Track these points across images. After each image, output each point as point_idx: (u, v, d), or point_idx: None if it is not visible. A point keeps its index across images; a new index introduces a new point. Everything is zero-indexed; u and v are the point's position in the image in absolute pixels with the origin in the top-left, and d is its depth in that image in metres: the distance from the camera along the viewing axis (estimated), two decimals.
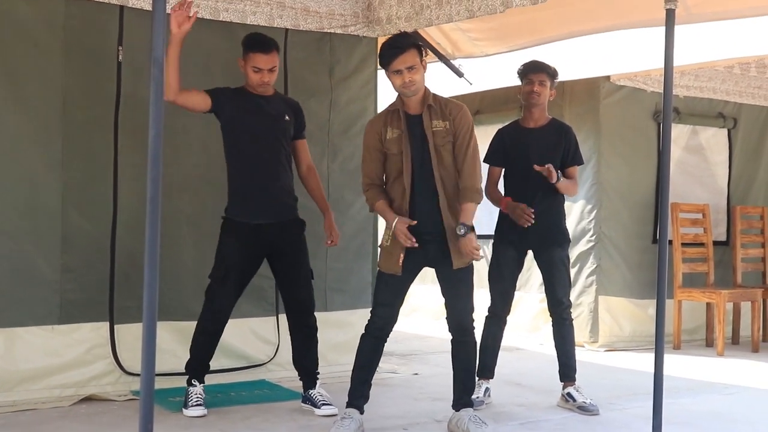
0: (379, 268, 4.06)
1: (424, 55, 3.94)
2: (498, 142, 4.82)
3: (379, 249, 4.16)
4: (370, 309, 4.10)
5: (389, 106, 4.07)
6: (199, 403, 4.27)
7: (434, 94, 4.00)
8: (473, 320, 4.09)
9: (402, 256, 3.92)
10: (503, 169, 4.80)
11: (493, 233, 4.83)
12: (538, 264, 4.76)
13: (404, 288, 4.06)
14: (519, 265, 4.76)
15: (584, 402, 4.58)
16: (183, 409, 4.27)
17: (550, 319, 4.78)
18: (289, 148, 4.45)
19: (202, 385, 4.36)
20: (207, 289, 4.35)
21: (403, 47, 3.84)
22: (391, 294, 4.02)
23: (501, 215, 4.77)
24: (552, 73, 4.71)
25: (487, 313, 4.75)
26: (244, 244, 4.32)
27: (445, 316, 4.09)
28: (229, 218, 4.37)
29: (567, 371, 4.70)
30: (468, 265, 4.00)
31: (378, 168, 4.03)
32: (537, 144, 4.66)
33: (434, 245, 3.94)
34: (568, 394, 4.65)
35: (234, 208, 4.36)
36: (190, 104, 4.25)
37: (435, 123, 3.94)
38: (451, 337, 4.11)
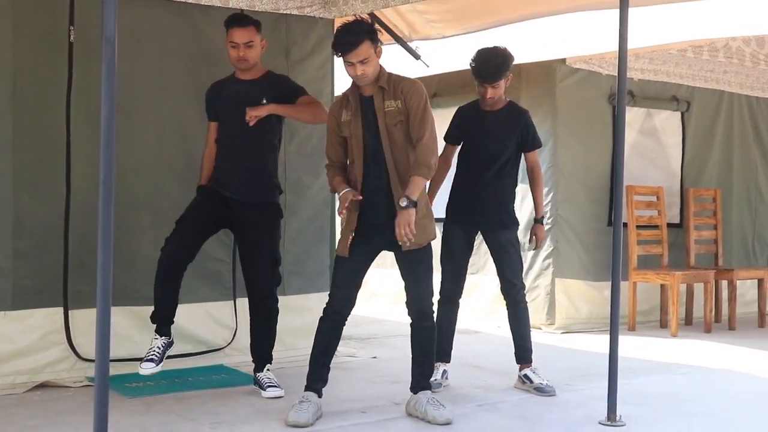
0: (336, 252, 4.08)
1: (378, 43, 3.91)
2: (456, 120, 4.85)
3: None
4: (329, 292, 4.09)
5: (348, 89, 4.07)
6: (151, 358, 4.22)
7: (389, 74, 3.99)
8: (432, 304, 4.11)
9: (350, 237, 3.94)
10: (458, 147, 4.82)
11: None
12: (488, 246, 4.80)
13: (359, 271, 4.06)
14: (469, 246, 4.79)
15: (541, 383, 4.63)
16: (139, 366, 4.25)
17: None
18: (272, 131, 4.48)
19: (165, 338, 4.31)
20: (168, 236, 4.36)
21: (356, 42, 3.80)
22: (347, 276, 4.03)
23: (451, 196, 4.79)
24: (506, 68, 4.63)
25: (438, 297, 4.76)
26: (207, 203, 4.40)
27: (405, 300, 4.11)
28: (204, 185, 4.49)
29: (523, 353, 4.75)
30: (423, 247, 4.00)
31: (338, 150, 4.06)
32: (492, 127, 4.69)
33: (389, 228, 3.94)
34: (525, 375, 4.70)
35: (210, 177, 4.49)
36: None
37: (387, 103, 3.94)
38: (410, 321, 4.13)
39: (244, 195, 4.39)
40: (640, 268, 7.02)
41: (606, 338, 4.15)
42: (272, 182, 4.52)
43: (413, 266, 4.03)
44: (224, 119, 4.47)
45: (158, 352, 4.26)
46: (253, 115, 4.34)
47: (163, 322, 4.34)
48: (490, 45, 4.75)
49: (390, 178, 3.93)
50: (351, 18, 4.17)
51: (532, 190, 4.88)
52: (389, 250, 4.09)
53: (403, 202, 3.82)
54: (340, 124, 4.00)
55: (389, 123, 3.93)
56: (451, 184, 4.83)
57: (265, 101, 4.40)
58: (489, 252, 4.83)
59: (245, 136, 4.40)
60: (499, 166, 4.66)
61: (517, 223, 4.80)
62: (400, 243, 3.87)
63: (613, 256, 4.08)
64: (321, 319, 4.07)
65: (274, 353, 4.60)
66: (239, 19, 4.43)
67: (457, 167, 4.82)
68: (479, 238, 4.81)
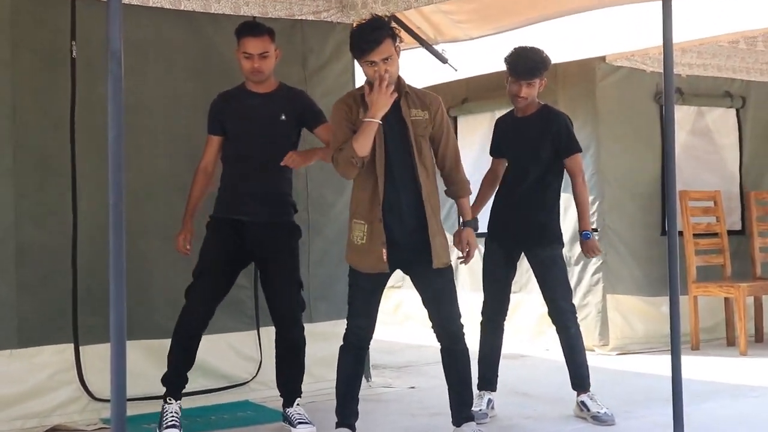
0: (360, 269, 3.97)
1: (398, 41, 3.90)
2: (496, 132, 4.89)
3: (346, 248, 4.07)
4: (346, 318, 4.05)
5: (357, 89, 4.03)
6: (174, 423, 4.21)
7: (405, 82, 3.99)
8: (462, 325, 4.04)
9: (385, 250, 3.86)
10: (504, 161, 4.83)
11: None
12: (530, 265, 4.76)
13: (381, 291, 4.03)
14: (510, 265, 4.75)
15: (599, 412, 4.56)
16: (157, 431, 4.22)
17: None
18: (289, 147, 4.43)
19: (178, 402, 4.30)
20: (186, 289, 4.35)
21: (379, 40, 3.77)
22: (368, 300, 3.99)
23: (492, 211, 4.78)
24: (544, 67, 4.62)
25: (481, 319, 4.72)
26: (222, 239, 4.36)
27: (431, 325, 4.05)
28: (212, 216, 4.46)
29: (579, 381, 4.68)
30: (447, 266, 3.98)
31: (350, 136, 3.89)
32: (524, 134, 4.67)
33: (411, 244, 3.90)
34: (582, 402, 4.64)
35: (217, 205, 4.46)
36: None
37: (414, 112, 3.93)
38: (440, 347, 4.07)
39: (261, 216, 4.36)
40: (700, 281, 6.91)
41: (666, 359, 4.07)
42: (288, 201, 4.51)
43: (437, 287, 3.98)
44: (236, 136, 4.43)
45: (178, 417, 4.25)
46: (298, 160, 4.39)
47: (179, 386, 4.34)
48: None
49: (422, 189, 3.90)
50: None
51: (576, 200, 4.76)
52: (406, 268, 4.04)
53: (467, 222, 4.04)
54: (355, 121, 3.89)
55: (417, 132, 3.91)
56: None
57: (283, 117, 4.39)
58: (532, 271, 4.77)
59: (262, 154, 4.37)
60: (536, 177, 4.62)
61: (560, 239, 4.73)
62: (460, 260, 4.03)
63: (669, 266, 4.00)
64: (342, 349, 4.05)
65: (303, 386, 4.56)
66: (252, 27, 4.40)
67: (501, 182, 4.84)
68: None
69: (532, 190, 4.65)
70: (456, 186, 4.12)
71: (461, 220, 4.18)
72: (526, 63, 4.57)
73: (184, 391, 4.37)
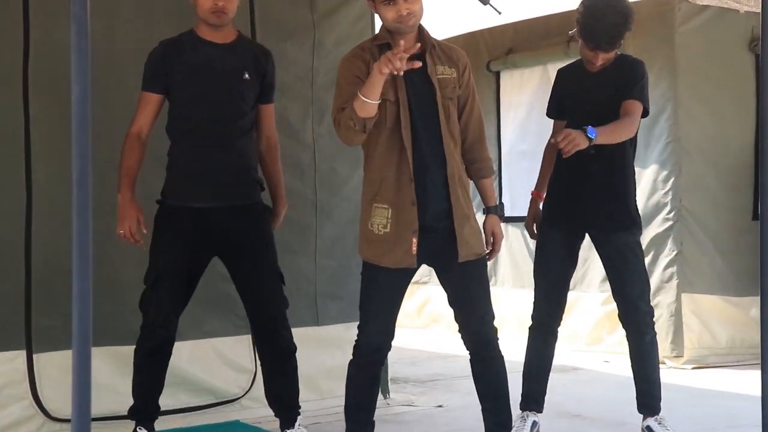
0: (380, 264, 3.96)
1: None
2: (556, 88, 4.83)
3: (359, 239, 4.07)
4: (359, 324, 4.07)
5: (372, 39, 4.02)
6: None
7: (430, 36, 3.98)
8: (496, 329, 4.07)
9: (415, 240, 3.86)
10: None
11: (525, 215, 4.85)
12: (599, 254, 4.75)
13: (405, 290, 4.05)
14: (572, 256, 4.75)
15: None
16: None
17: (620, 327, 4.76)
18: (251, 117, 4.42)
19: None
20: (140, 299, 4.33)
21: None
22: (388, 304, 4.00)
23: (554, 190, 4.77)
24: (627, 29, 4.53)
25: (531, 323, 4.75)
26: (178, 235, 4.29)
27: (458, 328, 4.08)
28: (164, 202, 4.37)
29: (648, 401, 4.69)
30: (479, 258, 4.01)
31: None
32: (599, 94, 4.61)
33: (438, 232, 3.92)
34: (648, 428, 4.66)
35: (168, 187, 4.37)
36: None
37: (441, 69, 3.91)
38: (469, 356, 4.10)
39: (225, 199, 4.33)
40: None
41: (755, 374, 4.09)
42: (255, 178, 4.47)
43: (466, 283, 4.01)
44: (187, 96, 4.33)
45: None
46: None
47: (150, 416, 4.38)
48: None
49: (447, 165, 3.91)
50: None
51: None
52: (431, 261, 4.05)
53: (492, 208, 4.08)
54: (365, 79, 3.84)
55: (446, 95, 3.92)
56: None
57: (247, 76, 4.34)
58: (596, 260, 4.77)
59: (222, 121, 4.31)
60: (613, 146, 4.60)
61: (639, 224, 4.73)
62: (486, 254, 4.05)
63: (761, 259, 4.00)
64: (352, 366, 4.06)
65: (306, 403, 4.61)
66: None
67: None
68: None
69: (610, 163, 4.62)
70: (479, 164, 4.11)
71: (484, 206, 4.19)
72: (606, 30, 4.46)
73: (162, 409, 4.43)
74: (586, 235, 4.73)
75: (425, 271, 5.39)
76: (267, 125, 4.53)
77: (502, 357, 4.09)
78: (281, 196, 4.60)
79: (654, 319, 4.76)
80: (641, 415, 4.71)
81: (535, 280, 4.76)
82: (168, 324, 4.31)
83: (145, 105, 4.34)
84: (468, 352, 4.09)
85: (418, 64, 3.73)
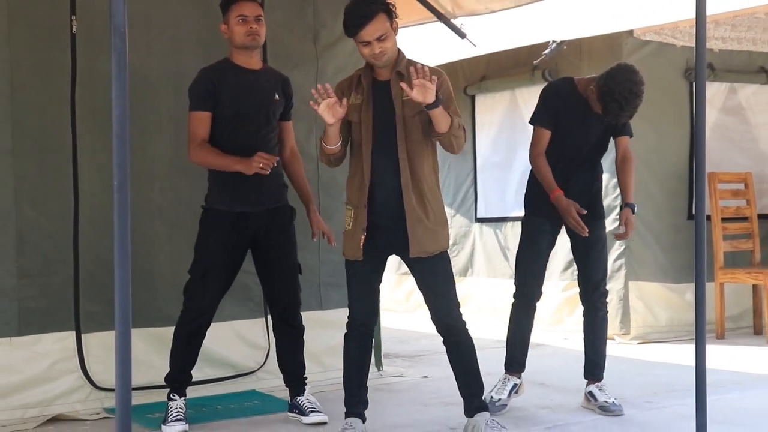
0: (344, 256, 4.05)
1: (394, 16, 3.87)
2: (550, 99, 4.67)
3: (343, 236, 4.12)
4: (348, 304, 4.11)
5: (356, 71, 4.06)
6: (179, 418, 4.28)
7: (409, 60, 3.96)
8: (460, 315, 4.07)
9: (363, 237, 3.92)
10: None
11: (520, 215, 4.83)
12: (572, 243, 4.74)
13: (375, 277, 4.08)
14: (553, 242, 4.77)
15: (606, 401, 4.60)
16: (162, 426, 4.28)
17: (579, 310, 4.79)
18: (278, 128, 4.49)
19: (183, 398, 4.38)
20: (185, 287, 4.37)
21: (370, 15, 3.77)
22: (363, 284, 4.04)
23: (531, 183, 4.75)
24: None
25: (514, 299, 4.74)
26: (225, 236, 4.34)
27: (429, 317, 4.10)
28: (209, 208, 4.39)
29: (593, 369, 4.72)
30: (438, 255, 3.98)
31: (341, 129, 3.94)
32: (590, 109, 4.55)
33: (396, 231, 3.93)
34: (590, 393, 4.68)
35: (214, 196, 4.39)
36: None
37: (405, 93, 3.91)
38: (442, 339, 4.12)
39: (263, 204, 4.38)
40: (727, 267, 6.93)
41: (690, 348, 4.12)
42: (283, 182, 4.52)
43: (429, 277, 4.02)
44: (233, 115, 4.34)
45: (183, 412, 4.32)
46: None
47: (183, 384, 4.41)
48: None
49: (401, 175, 3.89)
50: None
51: (623, 175, 4.76)
52: (398, 255, 4.08)
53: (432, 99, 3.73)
54: (348, 106, 3.90)
55: (407, 114, 3.91)
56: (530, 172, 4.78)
57: (276, 96, 4.40)
58: (573, 248, 4.74)
59: (259, 137, 4.35)
60: (595, 153, 4.65)
61: (604, 216, 4.80)
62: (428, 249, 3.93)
63: (696, 253, 4.03)
64: (346, 336, 4.10)
65: (311, 375, 4.63)
66: None
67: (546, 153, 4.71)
68: None
69: (592, 167, 4.69)
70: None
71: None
72: (628, 114, 4.41)
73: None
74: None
75: None
76: (289, 138, 4.59)
77: (470, 338, 4.10)
78: (309, 195, 4.64)
79: (607, 301, 4.79)
80: (586, 381, 4.73)
81: (521, 263, 4.72)
82: (210, 310, 4.36)
83: (198, 122, 4.33)
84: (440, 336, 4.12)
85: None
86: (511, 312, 4.74)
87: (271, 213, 4.41)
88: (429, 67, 3.81)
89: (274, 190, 4.44)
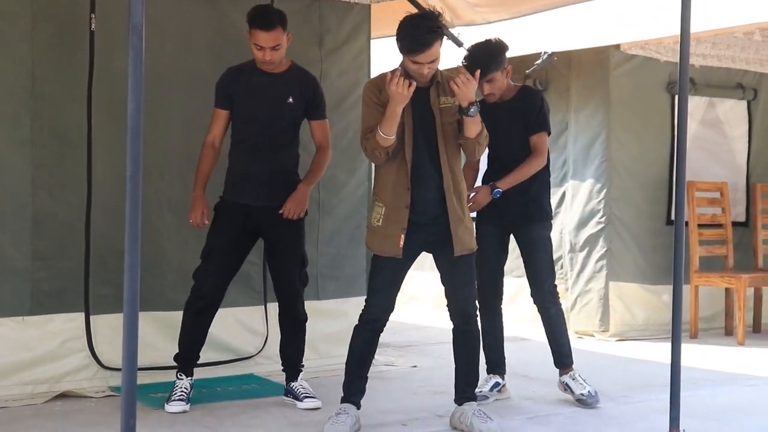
0: (374, 251, 4.03)
1: (443, 38, 3.88)
2: None
3: (366, 229, 4.13)
4: (365, 297, 4.09)
5: (394, 69, 3.94)
6: (181, 398, 4.28)
7: (438, 69, 3.96)
8: (476, 308, 4.11)
9: (403, 236, 3.91)
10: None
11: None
12: (519, 246, 4.72)
13: (402, 273, 4.06)
14: (503, 248, 4.74)
15: (582, 393, 4.59)
16: (164, 404, 4.27)
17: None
18: (294, 130, 4.47)
19: (189, 378, 4.37)
20: (195, 270, 4.40)
21: (430, 43, 3.75)
22: (389, 280, 4.02)
23: None
24: (499, 61, 4.54)
25: (478, 307, 4.70)
26: (230, 224, 4.37)
27: (446, 303, 4.10)
28: (221, 198, 4.45)
29: (560, 358, 4.71)
30: (471, 252, 4.02)
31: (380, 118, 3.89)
32: (502, 118, 4.58)
33: (435, 229, 3.94)
34: (566, 384, 4.68)
35: (225, 187, 4.46)
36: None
37: (443, 99, 3.92)
38: (452, 326, 4.12)
39: (267, 200, 4.38)
40: (702, 271, 6.94)
41: (665, 346, 4.12)
42: (294, 179, 4.50)
43: (457, 270, 4.03)
44: (241, 114, 4.39)
45: (187, 392, 4.32)
46: (293, 209, 4.35)
47: (190, 362, 4.41)
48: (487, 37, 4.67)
49: (443, 178, 3.91)
50: (422, 10, 4.09)
51: (518, 165, 4.61)
52: (431, 252, 4.08)
53: (472, 109, 3.82)
54: (384, 104, 3.86)
55: (445, 120, 3.92)
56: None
57: (291, 100, 4.38)
58: (520, 251, 4.72)
59: (267, 136, 4.36)
60: (523, 156, 4.61)
61: (549, 218, 4.73)
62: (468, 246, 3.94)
63: (674, 256, 4.02)
64: (356, 327, 4.07)
65: (307, 361, 4.62)
66: (264, 21, 4.25)
67: (486, 168, 4.78)
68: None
69: (532, 176, 4.63)
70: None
71: None
72: (473, 59, 4.50)
73: None
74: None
75: None
76: (317, 135, 4.54)
77: (479, 330, 4.14)
78: (311, 177, 4.53)
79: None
80: (558, 370, 4.71)
81: (476, 271, 4.71)
82: (214, 290, 4.37)
83: (217, 119, 4.43)
84: (452, 323, 4.12)
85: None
86: (479, 320, 4.72)
87: (277, 208, 4.38)
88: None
89: (280, 187, 4.40)
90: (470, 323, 4.09)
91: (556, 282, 4.81)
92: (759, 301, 7.32)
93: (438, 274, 4.13)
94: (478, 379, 4.19)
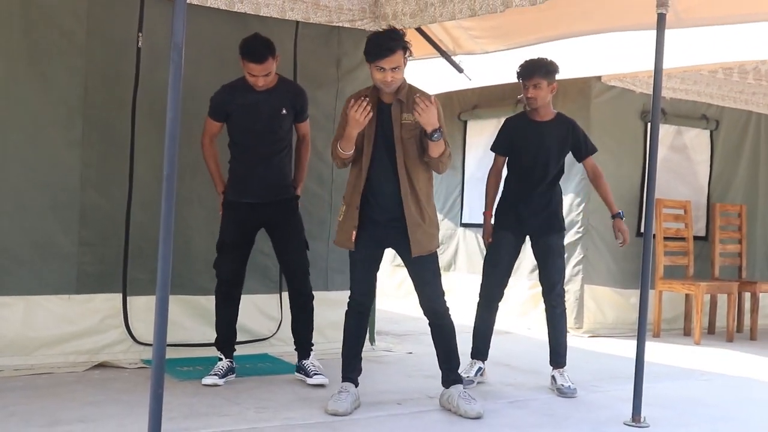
0: (335, 243, 4.04)
1: (408, 53, 3.86)
2: (505, 131, 4.73)
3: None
4: (349, 287, 4.08)
5: (365, 89, 3.99)
6: (216, 374, 4.31)
7: (410, 86, 3.93)
8: (445, 302, 4.05)
9: (354, 232, 3.90)
10: (506, 159, 4.73)
11: (480, 223, 4.80)
12: (534, 251, 4.69)
13: (374, 265, 4.05)
14: (516, 252, 4.71)
15: (562, 385, 4.57)
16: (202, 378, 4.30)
17: (542, 305, 4.75)
18: (288, 134, 4.48)
19: (228, 359, 4.40)
20: (214, 262, 4.42)
21: (393, 49, 3.76)
22: (362, 270, 4.02)
23: (501, 199, 4.72)
24: (547, 71, 4.54)
25: (479, 299, 4.71)
26: (237, 219, 4.39)
27: (418, 301, 4.08)
28: (225, 197, 4.46)
29: (556, 358, 4.68)
30: (431, 254, 3.97)
31: None
32: (545, 137, 4.58)
33: (393, 230, 3.92)
34: (553, 377, 4.66)
35: (230, 189, 4.45)
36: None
37: (405, 116, 3.88)
38: (428, 321, 4.10)
39: (267, 198, 4.39)
40: (666, 278, 6.92)
41: (631, 343, 4.11)
42: (289, 182, 4.53)
43: (421, 270, 3.99)
44: (240, 128, 4.37)
45: (223, 370, 4.34)
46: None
47: (226, 344, 4.42)
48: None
49: (400, 185, 3.87)
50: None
51: (600, 191, 4.74)
52: (394, 250, 4.05)
53: (435, 136, 3.77)
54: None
55: (404, 135, 3.89)
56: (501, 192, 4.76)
57: (284, 111, 4.38)
58: (528, 256, 4.73)
59: (265, 146, 4.37)
60: (553, 176, 4.61)
61: (564, 228, 4.73)
62: (424, 249, 3.89)
63: (642, 264, 4.02)
64: (346, 314, 4.08)
65: (317, 345, 4.62)
66: (254, 55, 4.20)
67: (507, 176, 4.73)
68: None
69: (549, 186, 4.62)
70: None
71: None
72: (527, 66, 4.53)
73: (210, 343, 4.48)
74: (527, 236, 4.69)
75: None
76: (301, 132, 4.59)
77: (451, 322, 4.08)
78: (300, 176, 4.59)
79: (565, 300, 4.76)
80: (551, 367, 4.71)
81: (486, 270, 4.68)
82: (232, 276, 4.39)
83: (210, 126, 4.46)
84: (426, 318, 4.10)
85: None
86: (477, 310, 4.71)
87: (277, 203, 4.42)
88: (427, 95, 3.82)
89: (276, 187, 4.43)
90: (440, 318, 4.04)
91: (537, 282, 4.79)
92: (714, 307, 7.31)
93: None
94: (459, 363, 4.12)
